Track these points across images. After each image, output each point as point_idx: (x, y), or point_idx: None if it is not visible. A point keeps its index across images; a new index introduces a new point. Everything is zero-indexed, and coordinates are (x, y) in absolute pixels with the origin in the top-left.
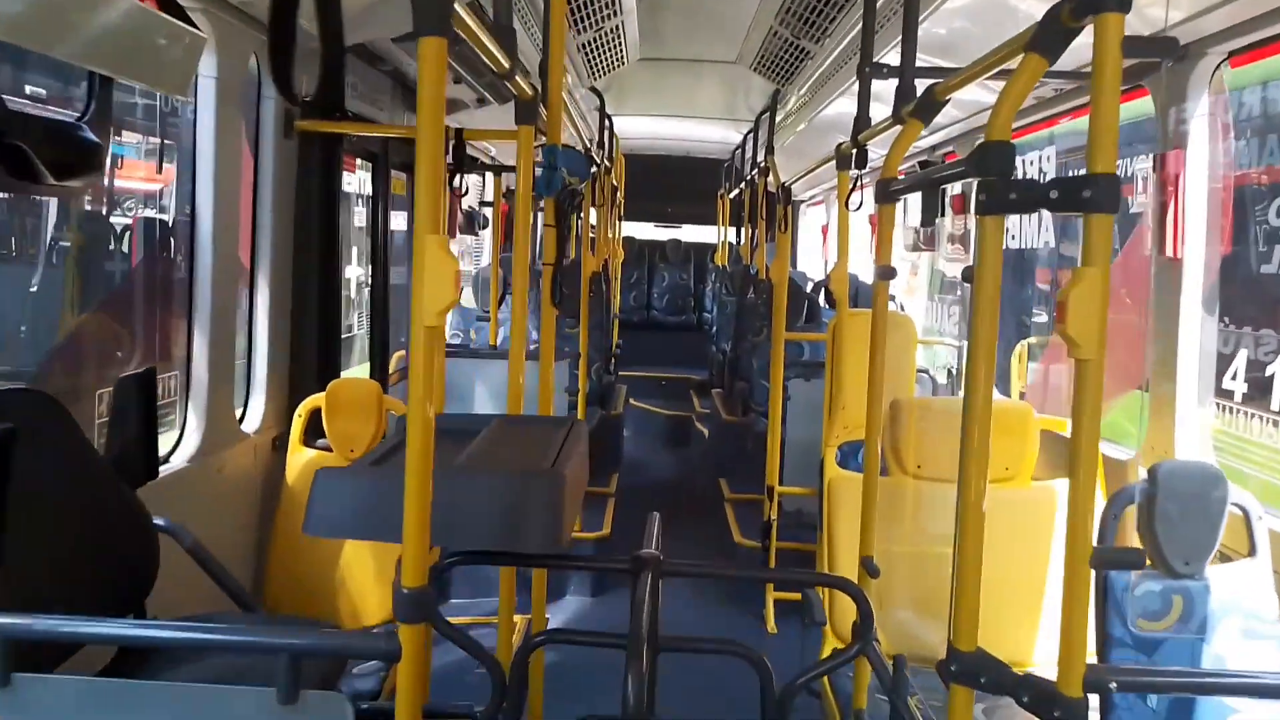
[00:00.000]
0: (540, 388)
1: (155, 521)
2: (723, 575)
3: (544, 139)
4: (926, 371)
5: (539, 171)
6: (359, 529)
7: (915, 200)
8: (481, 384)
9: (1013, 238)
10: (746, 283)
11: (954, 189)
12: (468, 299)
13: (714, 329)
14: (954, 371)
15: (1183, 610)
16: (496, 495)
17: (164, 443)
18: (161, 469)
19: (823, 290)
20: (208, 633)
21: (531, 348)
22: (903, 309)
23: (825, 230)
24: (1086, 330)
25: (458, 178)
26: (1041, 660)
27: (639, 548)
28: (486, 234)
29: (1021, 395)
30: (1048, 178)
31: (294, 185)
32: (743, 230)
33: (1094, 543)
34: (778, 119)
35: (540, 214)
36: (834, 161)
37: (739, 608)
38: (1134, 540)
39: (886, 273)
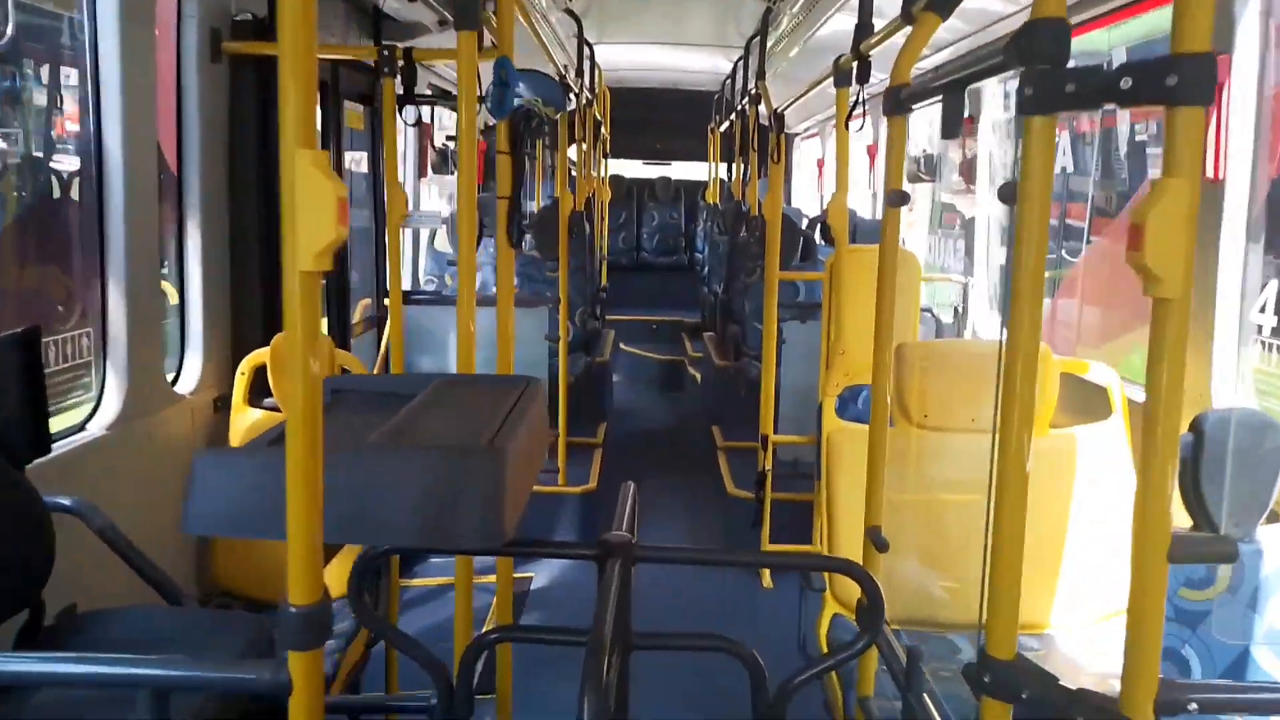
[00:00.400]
0: (499, 337)
1: (60, 501)
2: (705, 562)
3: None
4: (930, 310)
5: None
6: (247, 524)
7: (915, 124)
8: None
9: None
10: (738, 220)
11: None
12: (442, 243)
13: (706, 269)
14: (960, 310)
15: (1232, 578)
16: (417, 480)
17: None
18: (76, 437)
19: (819, 226)
20: (48, 664)
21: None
22: (904, 244)
23: (821, 164)
24: (1169, 259)
25: (418, 110)
26: (1058, 624)
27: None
28: None
29: None
30: None
31: (226, 115)
32: (734, 165)
33: None
34: (769, 42)
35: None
36: (831, 81)
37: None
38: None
39: (898, 199)
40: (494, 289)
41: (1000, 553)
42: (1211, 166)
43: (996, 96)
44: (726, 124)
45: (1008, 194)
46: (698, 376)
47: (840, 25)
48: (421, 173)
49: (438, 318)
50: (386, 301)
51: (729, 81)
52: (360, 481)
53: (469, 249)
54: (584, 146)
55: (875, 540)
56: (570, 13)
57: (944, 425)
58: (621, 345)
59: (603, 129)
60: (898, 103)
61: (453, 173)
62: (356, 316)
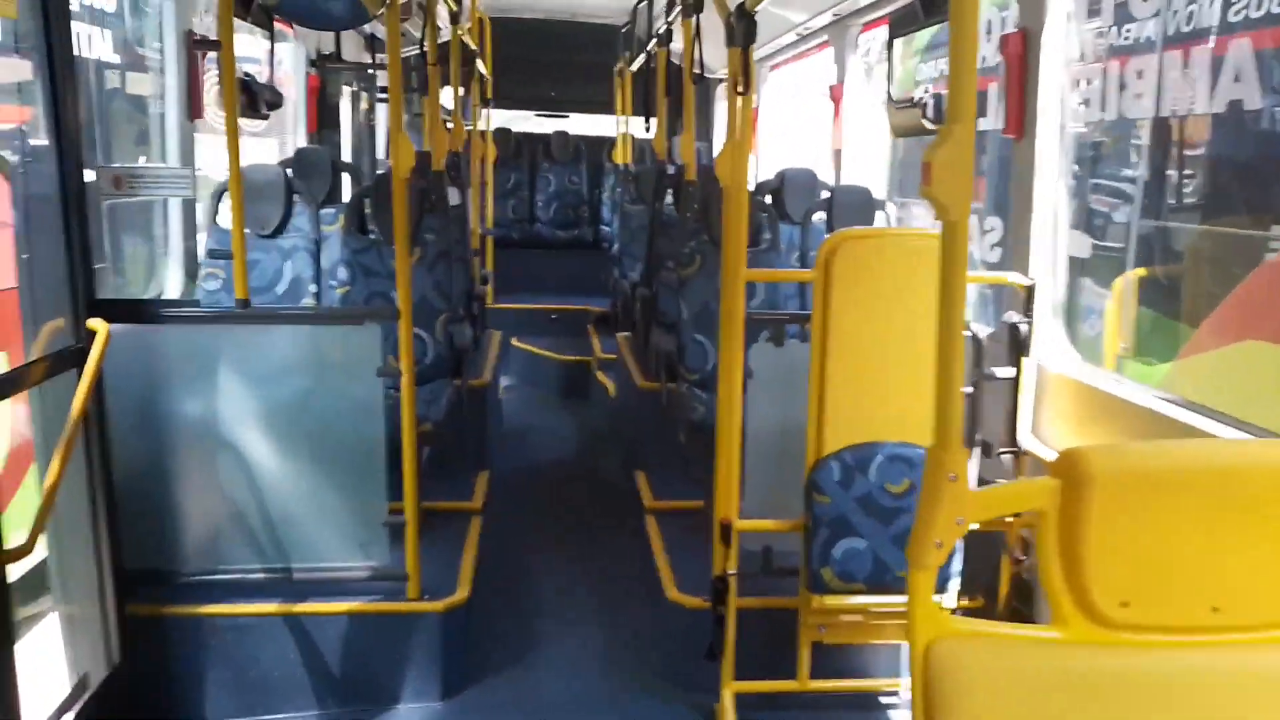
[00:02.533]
0: None
1: None
2: None
3: None
4: (969, 330)
5: None
6: None
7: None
8: (253, 366)
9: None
10: (663, 185)
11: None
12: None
13: (616, 247)
14: (1023, 329)
15: None
16: None
17: None
18: None
19: (770, 195)
20: None
21: (336, 289)
22: (893, 222)
23: (837, 93)
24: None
25: None
26: None
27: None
28: (292, 119)
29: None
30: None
31: None
32: (655, 112)
33: None
34: None
35: (356, 93)
36: None
37: (674, 697)
38: None
39: None
40: (310, 290)
41: None
42: None
43: None
44: (641, 59)
45: None
46: (609, 387)
47: None
48: (195, 112)
49: (224, 342)
50: (94, 322)
51: (642, 4)
52: None
53: None
54: (456, 87)
55: None
56: None
57: (1165, 624)
58: (513, 342)
59: (480, 66)
60: None
61: (265, 116)
62: (38, 350)
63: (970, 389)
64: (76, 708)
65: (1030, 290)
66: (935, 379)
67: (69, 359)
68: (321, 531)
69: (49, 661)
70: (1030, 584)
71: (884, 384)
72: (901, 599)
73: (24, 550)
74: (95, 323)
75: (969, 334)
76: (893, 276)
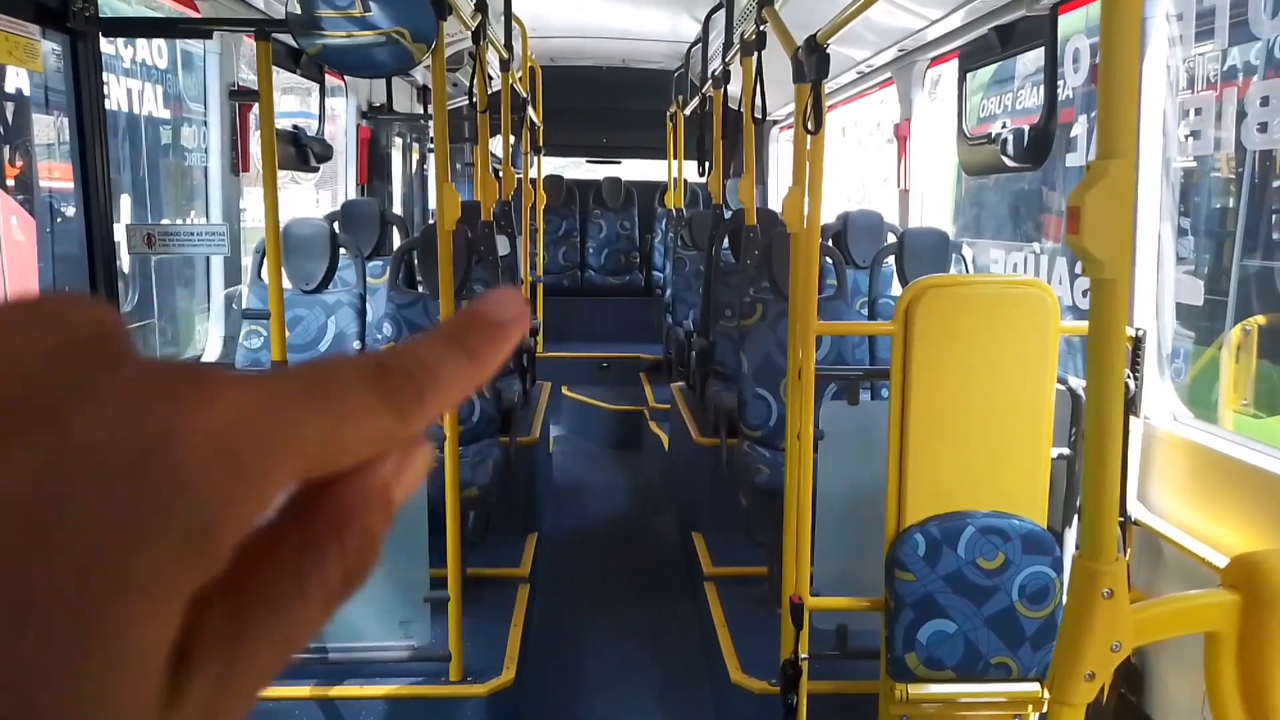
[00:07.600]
0: None
1: None
2: None
3: None
4: (1065, 383)
5: None
6: None
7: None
8: None
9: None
10: (719, 230)
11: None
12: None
13: (669, 293)
14: (1131, 384)
15: None
16: None
17: None
18: None
19: (831, 238)
20: None
21: (380, 346)
22: (970, 266)
23: (903, 131)
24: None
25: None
26: None
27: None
28: (345, 170)
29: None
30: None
31: None
32: (712, 154)
33: None
34: None
35: (407, 145)
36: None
37: None
38: None
39: None
40: (355, 346)
41: None
42: None
43: None
44: (695, 103)
45: None
46: (663, 438)
47: None
48: (241, 166)
49: None
50: None
51: (695, 48)
52: None
53: None
54: (507, 136)
55: None
56: None
57: None
58: (564, 390)
59: (531, 114)
60: None
61: (315, 169)
62: None
63: (1068, 450)
64: None
65: (1137, 341)
66: (1086, 475)
67: None
68: (360, 608)
69: None
70: (1140, 670)
71: (972, 446)
72: (996, 688)
73: None
74: None
75: (1064, 388)
76: (981, 328)
